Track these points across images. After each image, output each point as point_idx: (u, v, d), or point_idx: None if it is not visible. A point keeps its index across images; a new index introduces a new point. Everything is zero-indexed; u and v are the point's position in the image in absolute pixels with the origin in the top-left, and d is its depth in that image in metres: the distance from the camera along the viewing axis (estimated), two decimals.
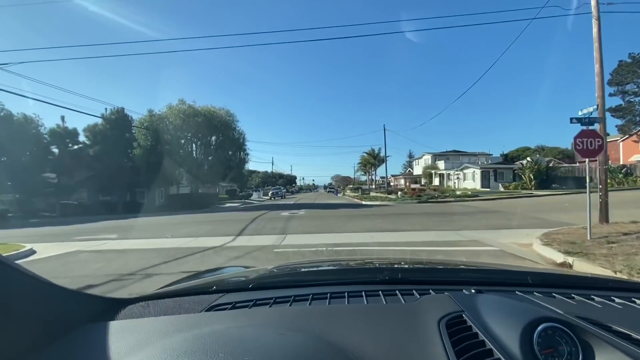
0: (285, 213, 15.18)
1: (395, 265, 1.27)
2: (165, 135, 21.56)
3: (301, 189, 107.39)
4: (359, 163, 64.94)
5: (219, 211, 20.13)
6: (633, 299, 0.86)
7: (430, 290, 0.90)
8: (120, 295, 0.93)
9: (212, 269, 1.66)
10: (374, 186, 54.64)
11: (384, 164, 61.43)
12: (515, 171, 30.03)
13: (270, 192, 40.94)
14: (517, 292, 0.90)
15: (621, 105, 29.49)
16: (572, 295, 0.88)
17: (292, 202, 27.20)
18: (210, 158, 23.72)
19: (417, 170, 48.66)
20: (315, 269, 1.35)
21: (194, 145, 23.07)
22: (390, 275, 1.04)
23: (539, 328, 0.54)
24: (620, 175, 25.65)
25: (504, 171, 32.09)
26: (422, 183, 39.99)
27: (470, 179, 33.18)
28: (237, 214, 16.68)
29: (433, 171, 40.30)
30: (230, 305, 0.83)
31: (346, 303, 0.83)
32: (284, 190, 44.19)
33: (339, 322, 0.67)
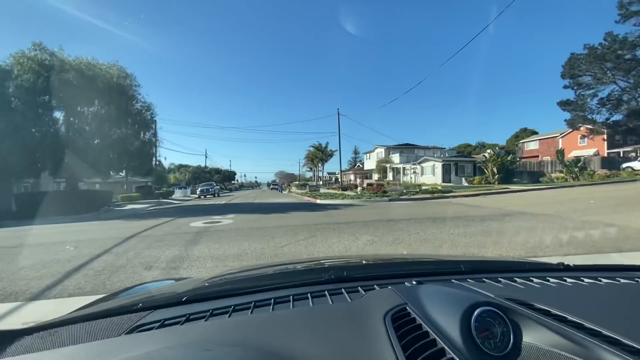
0: (199, 223, 9.03)
1: (341, 264, 1.23)
2: (13, 100, 13.44)
3: (242, 187, 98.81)
4: (305, 158, 59.95)
5: (90, 220, 12.98)
6: (547, 277, 0.99)
7: (375, 286, 0.91)
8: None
9: (138, 284, 1.40)
10: (321, 182, 50.15)
11: (331, 158, 57.71)
12: (478, 164, 27.88)
13: (199, 189, 33.02)
14: (453, 280, 0.98)
15: (570, 99, 29.25)
16: (499, 278, 0.98)
17: (223, 203, 20.62)
18: (95, 141, 15.92)
19: (369, 164, 45.22)
20: (257, 274, 1.23)
21: (61, 116, 15.05)
22: (335, 274, 1.00)
23: (475, 313, 0.58)
24: (576, 169, 24.66)
25: (465, 165, 29.89)
26: (376, 178, 36.41)
27: (430, 173, 30.36)
28: (109, 226, 9.96)
29: (388, 165, 37.00)
30: (158, 324, 0.74)
31: (291, 307, 0.79)
32: (217, 188, 36.51)
33: (283, 328, 0.65)
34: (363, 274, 1.05)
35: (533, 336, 0.56)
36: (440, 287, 0.82)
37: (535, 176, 26.53)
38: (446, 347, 0.51)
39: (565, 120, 30.62)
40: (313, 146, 55.50)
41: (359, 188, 23.39)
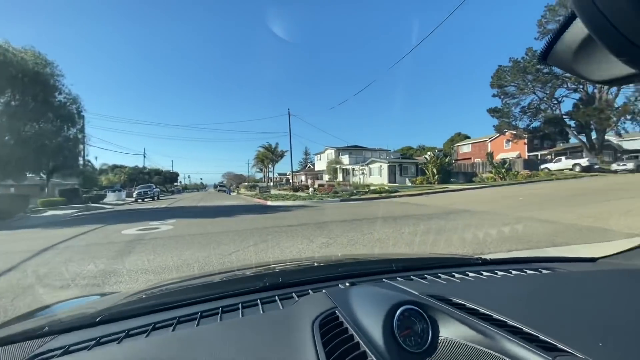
0: (132, 231, 8.01)
1: (277, 269, 1.20)
2: None
3: (186, 189, 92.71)
4: (255, 158, 58.37)
5: None
6: (467, 272, 1.05)
7: (310, 291, 0.90)
8: None
9: (58, 302, 1.21)
10: (272, 184, 49.23)
11: (282, 159, 56.97)
12: (420, 166, 29.69)
13: (136, 192, 29.90)
14: (384, 279, 0.99)
15: (497, 107, 32.73)
16: (425, 275, 1.02)
17: (163, 206, 18.91)
18: (4, 137, 13.34)
19: (320, 165, 45.59)
20: (185, 286, 1.10)
21: None
22: (270, 281, 0.97)
23: (397, 312, 0.60)
24: (503, 170, 27.64)
25: (409, 166, 31.62)
26: (327, 179, 36.79)
27: (377, 174, 31.53)
28: (21, 236, 8.37)
29: (338, 166, 37.62)
30: (61, 351, 0.66)
31: (219, 320, 0.75)
32: (157, 190, 33.60)
33: (208, 345, 0.61)
34: (298, 279, 1.02)
35: (449, 331, 0.60)
36: (370, 287, 0.84)
37: (468, 176, 29.16)
38: (367, 350, 0.52)
39: (494, 126, 34.24)
40: (263, 146, 54.21)
41: (310, 189, 23.32)
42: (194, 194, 56.81)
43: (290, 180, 32.11)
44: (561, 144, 36.38)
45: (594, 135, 29.79)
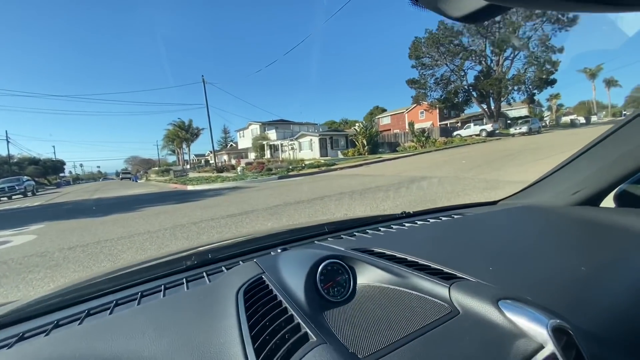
0: None
1: (207, 248, 1.07)
2: None
3: (78, 180, 77.00)
4: (165, 138, 50.68)
5: None
6: (391, 225, 1.12)
7: (240, 262, 0.88)
8: None
9: None
10: (188, 166, 43.76)
11: (198, 138, 51.05)
12: (350, 137, 29.30)
13: None
14: (315, 241, 1.01)
15: (415, 78, 34.11)
16: (354, 233, 1.08)
17: (36, 204, 14.02)
18: None
19: (244, 143, 41.80)
20: (96, 280, 0.94)
21: None
22: (198, 259, 0.91)
23: (320, 267, 0.63)
24: (423, 139, 29.19)
25: (339, 138, 30.98)
26: (254, 157, 33.90)
27: (308, 148, 30.09)
28: None
29: (265, 142, 34.86)
30: None
31: (136, 305, 0.70)
32: (31, 183, 26.06)
33: (122, 331, 0.57)
34: (229, 253, 0.96)
35: (367, 277, 0.64)
36: (299, 250, 0.83)
37: (393, 146, 30.06)
38: (288, 306, 0.54)
39: (412, 97, 35.84)
40: (173, 123, 47.17)
41: (238, 168, 20.59)
42: (88, 184, 46.98)
43: (212, 161, 28.35)
44: (463, 113, 40.50)
45: (492, 105, 33.60)
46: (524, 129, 25.77)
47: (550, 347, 0.42)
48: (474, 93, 33.94)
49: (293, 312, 0.52)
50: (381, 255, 0.72)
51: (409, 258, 0.70)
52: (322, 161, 19.90)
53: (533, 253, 0.76)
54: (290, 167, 17.41)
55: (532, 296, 0.53)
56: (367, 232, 1.07)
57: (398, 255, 0.72)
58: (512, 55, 30.83)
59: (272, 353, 0.45)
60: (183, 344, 0.51)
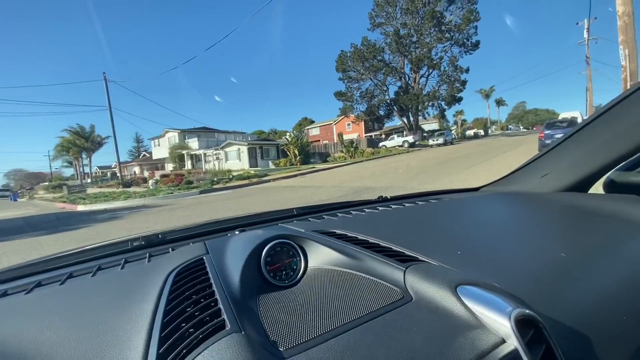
0: None
1: (166, 230, 1.00)
2: None
3: None
4: (58, 147, 41.80)
5: None
6: (364, 209, 1.07)
7: (190, 243, 0.82)
8: None
9: None
10: (89, 180, 36.81)
11: (102, 148, 43.60)
12: (281, 147, 28.13)
13: None
14: (279, 224, 0.94)
15: (342, 91, 34.98)
16: (323, 216, 1.02)
17: None
18: None
19: (160, 152, 36.88)
20: (24, 263, 0.88)
21: None
22: (146, 240, 0.84)
23: (266, 248, 0.59)
24: (352, 149, 29.81)
25: (270, 148, 29.50)
26: (171, 168, 29.98)
27: (236, 158, 27.82)
28: None
29: (185, 151, 31.17)
30: None
31: (58, 286, 0.64)
32: None
33: (27, 314, 0.53)
34: (182, 235, 0.89)
35: (320, 259, 0.60)
36: (254, 231, 0.75)
37: (323, 156, 30.04)
38: (216, 290, 0.49)
39: (340, 109, 36.64)
40: (69, 130, 39.30)
41: (150, 181, 17.47)
42: None
43: (118, 173, 23.82)
44: (385, 126, 43.22)
45: (411, 118, 36.43)
46: (441, 140, 28.42)
47: (512, 342, 0.35)
48: (395, 107, 36.34)
49: (218, 297, 0.47)
50: (341, 237, 0.68)
51: (371, 240, 0.66)
52: (253, 172, 18.22)
53: (509, 239, 0.72)
54: (215, 179, 15.34)
55: (500, 283, 0.47)
56: (337, 215, 1.02)
57: (360, 237, 0.68)
58: (427, 74, 34.04)
59: (179, 342, 0.40)
60: (84, 329, 0.46)
